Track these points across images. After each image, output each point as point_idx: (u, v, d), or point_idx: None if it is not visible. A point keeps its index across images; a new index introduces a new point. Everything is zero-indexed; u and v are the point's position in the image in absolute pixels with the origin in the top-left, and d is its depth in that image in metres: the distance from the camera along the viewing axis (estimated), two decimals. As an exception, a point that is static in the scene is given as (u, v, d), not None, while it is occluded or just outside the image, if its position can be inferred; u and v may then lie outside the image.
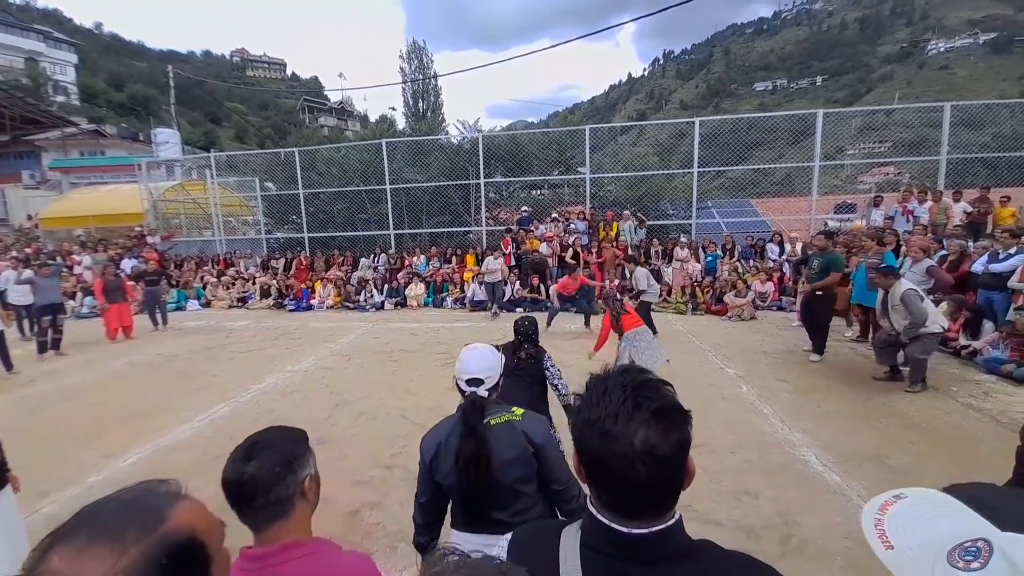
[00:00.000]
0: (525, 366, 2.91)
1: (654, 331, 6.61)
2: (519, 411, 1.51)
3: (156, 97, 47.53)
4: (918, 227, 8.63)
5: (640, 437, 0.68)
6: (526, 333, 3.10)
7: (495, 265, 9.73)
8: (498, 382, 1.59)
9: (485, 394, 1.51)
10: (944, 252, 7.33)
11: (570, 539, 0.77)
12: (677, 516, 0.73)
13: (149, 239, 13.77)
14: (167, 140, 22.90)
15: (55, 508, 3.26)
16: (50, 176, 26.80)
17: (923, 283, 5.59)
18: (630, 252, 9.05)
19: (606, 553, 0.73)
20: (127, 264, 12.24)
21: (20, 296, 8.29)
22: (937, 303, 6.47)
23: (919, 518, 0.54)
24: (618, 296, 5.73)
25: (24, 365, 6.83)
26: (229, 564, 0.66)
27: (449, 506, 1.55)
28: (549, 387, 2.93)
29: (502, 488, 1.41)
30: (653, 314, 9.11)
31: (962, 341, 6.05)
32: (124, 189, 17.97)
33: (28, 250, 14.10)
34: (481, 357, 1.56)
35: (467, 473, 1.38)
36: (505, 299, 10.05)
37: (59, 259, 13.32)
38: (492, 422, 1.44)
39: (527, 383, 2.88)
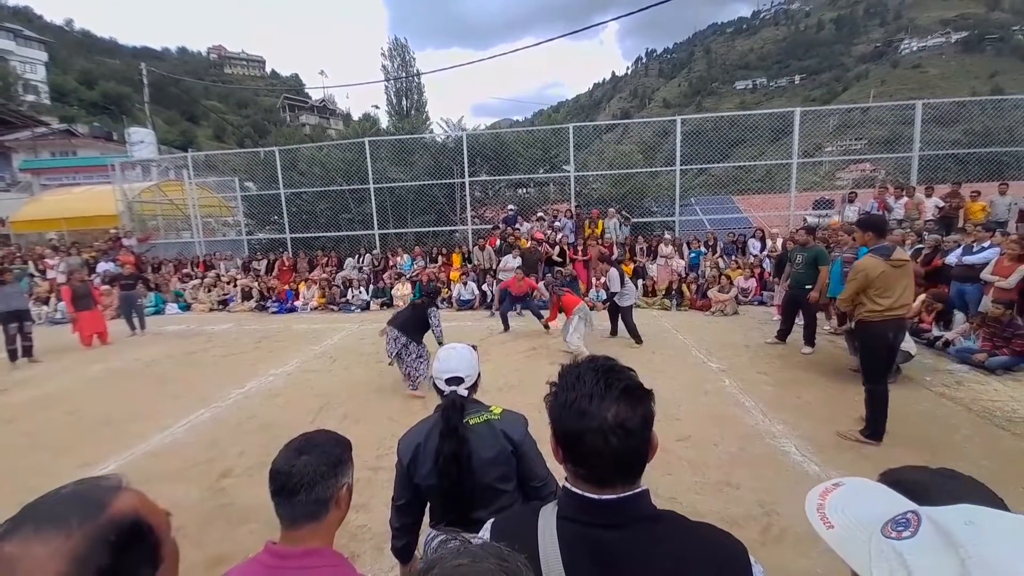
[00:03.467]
0: (417, 309, 5.16)
1: (639, 340, 6.69)
2: (497, 410, 1.51)
3: (129, 95, 46.33)
4: (892, 222, 8.86)
5: (612, 413, 0.77)
6: (428, 293, 5.53)
7: (513, 263, 9.69)
8: (477, 381, 1.58)
9: (465, 393, 1.51)
10: (920, 245, 7.55)
11: (547, 514, 0.84)
12: (644, 487, 0.81)
13: (125, 241, 13.41)
14: (142, 140, 22.24)
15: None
16: (21, 178, 25.95)
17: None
18: (602, 251, 9.08)
19: (580, 521, 0.80)
20: (102, 267, 11.93)
21: None
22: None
23: (855, 501, 0.60)
24: (557, 283, 6.98)
25: (-5, 373, 6.62)
26: (178, 554, 0.68)
27: (427, 506, 1.54)
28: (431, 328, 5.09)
29: (482, 487, 1.41)
30: (637, 310, 9.22)
31: (935, 332, 6.23)
32: (97, 190, 17.43)
33: (1, 254, 13.63)
34: (459, 356, 1.56)
35: (448, 473, 1.37)
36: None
37: (30, 263, 12.92)
38: (471, 421, 1.44)
39: (414, 319, 5.05)
